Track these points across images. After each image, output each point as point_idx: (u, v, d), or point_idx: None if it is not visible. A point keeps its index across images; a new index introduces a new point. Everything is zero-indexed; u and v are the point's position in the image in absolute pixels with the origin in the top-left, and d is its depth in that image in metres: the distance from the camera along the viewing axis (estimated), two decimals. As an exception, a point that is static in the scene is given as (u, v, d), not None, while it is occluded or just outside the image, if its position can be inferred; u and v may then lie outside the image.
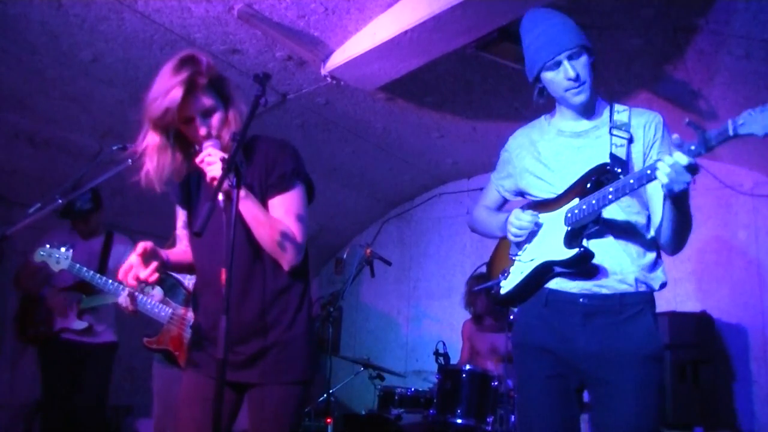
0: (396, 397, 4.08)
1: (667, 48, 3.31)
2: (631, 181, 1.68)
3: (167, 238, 2.50)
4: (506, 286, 2.00)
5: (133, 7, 3.07)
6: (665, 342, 3.74)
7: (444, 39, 3.18)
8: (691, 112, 3.80)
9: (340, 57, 3.46)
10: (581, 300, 1.85)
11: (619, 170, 1.82)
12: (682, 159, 1.55)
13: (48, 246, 3.20)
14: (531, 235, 1.96)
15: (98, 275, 3.18)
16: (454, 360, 4.37)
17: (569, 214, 1.86)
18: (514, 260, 2.01)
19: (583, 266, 1.84)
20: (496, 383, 3.70)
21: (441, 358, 4.05)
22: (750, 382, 4.14)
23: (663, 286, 1.90)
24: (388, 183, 5.66)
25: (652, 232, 1.91)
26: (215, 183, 1.68)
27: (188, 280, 3.02)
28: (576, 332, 1.85)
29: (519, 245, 2.01)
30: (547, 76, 1.91)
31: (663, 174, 1.59)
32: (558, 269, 1.88)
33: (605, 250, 1.85)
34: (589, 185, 1.83)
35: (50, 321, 3.72)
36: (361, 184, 5.57)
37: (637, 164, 1.88)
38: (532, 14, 2.00)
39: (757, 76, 3.29)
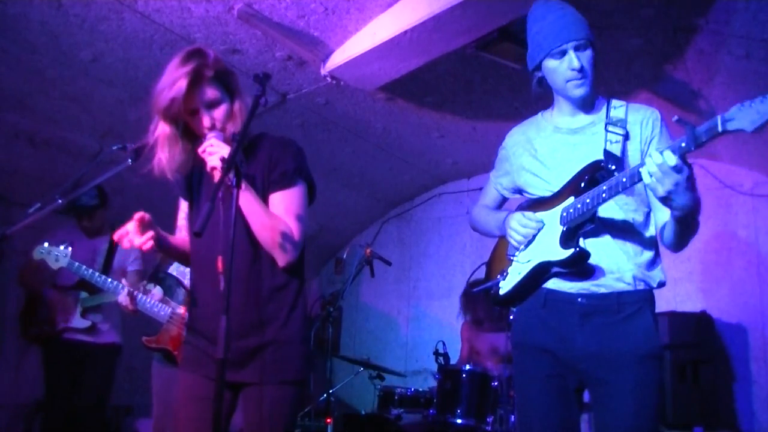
0: (396, 397, 4.08)
1: (667, 48, 3.31)
2: (624, 179, 1.67)
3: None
4: (505, 286, 1.99)
5: (133, 7, 3.07)
6: (665, 342, 3.74)
7: (444, 39, 3.18)
8: (691, 112, 3.80)
9: (340, 57, 3.46)
10: (579, 300, 1.85)
11: (614, 167, 1.80)
12: (671, 159, 1.53)
13: (47, 244, 3.21)
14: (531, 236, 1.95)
15: (97, 273, 3.18)
16: (454, 360, 4.37)
17: (564, 214, 1.86)
18: (512, 260, 2.01)
19: (579, 266, 1.83)
20: (496, 383, 3.70)
21: (441, 358, 4.04)
22: (750, 382, 4.14)
23: (662, 284, 1.89)
24: (388, 183, 5.66)
25: (651, 230, 1.90)
26: (215, 172, 1.70)
27: (187, 280, 3.02)
28: (574, 332, 1.84)
29: (518, 246, 2.00)
30: (550, 64, 1.89)
31: (645, 173, 1.57)
32: (555, 269, 1.88)
33: (602, 248, 1.84)
34: (583, 183, 1.83)
35: (53, 320, 3.72)
36: (361, 184, 5.57)
37: (634, 161, 1.87)
38: (544, 3, 1.97)
39: (757, 76, 3.29)
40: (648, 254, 1.88)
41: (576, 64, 1.84)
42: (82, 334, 3.73)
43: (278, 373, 1.83)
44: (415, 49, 3.26)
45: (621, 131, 1.88)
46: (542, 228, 1.92)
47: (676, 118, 1.53)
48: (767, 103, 1.43)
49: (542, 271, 1.90)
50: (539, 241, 1.92)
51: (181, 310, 2.99)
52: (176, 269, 3.11)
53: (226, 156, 1.70)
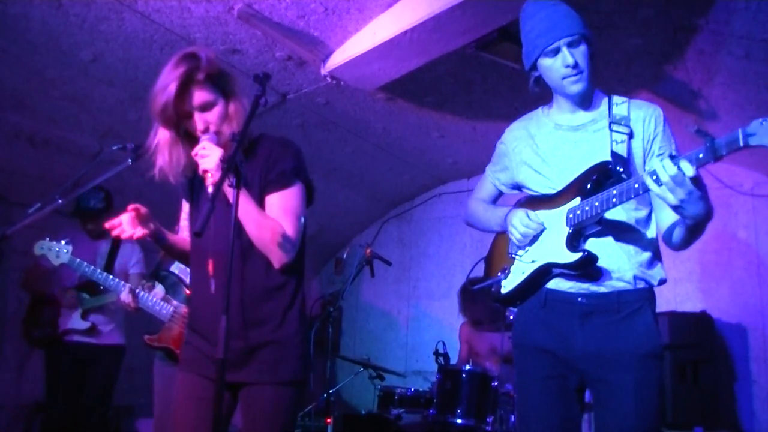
0: (396, 397, 4.07)
1: (667, 48, 3.31)
2: (636, 185, 1.65)
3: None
4: (507, 285, 1.98)
5: (133, 7, 3.07)
6: (665, 342, 3.74)
7: (444, 39, 3.18)
8: (691, 112, 3.80)
9: (340, 57, 3.46)
10: (579, 299, 1.84)
11: (621, 169, 1.79)
12: (689, 170, 1.50)
13: (48, 239, 3.20)
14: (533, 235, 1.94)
15: (98, 271, 3.18)
16: (454, 360, 4.37)
17: (571, 215, 1.83)
18: (514, 259, 1.99)
19: (586, 269, 1.81)
20: (496, 383, 3.70)
21: (441, 358, 4.04)
22: (750, 382, 4.14)
23: (662, 282, 1.88)
24: (387, 183, 5.66)
25: (652, 229, 1.89)
26: (207, 175, 1.71)
27: (189, 278, 3.02)
28: (575, 332, 1.84)
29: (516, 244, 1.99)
30: (545, 63, 1.88)
31: (651, 181, 1.55)
32: (559, 271, 1.87)
33: (603, 249, 1.83)
34: (589, 185, 1.81)
35: (55, 323, 3.73)
36: (360, 184, 5.57)
37: (638, 160, 1.86)
38: (534, 2, 1.96)
39: (757, 76, 3.29)
40: (648, 253, 1.87)
41: (570, 60, 1.82)
42: (84, 336, 3.73)
43: (275, 374, 1.82)
44: (415, 49, 3.26)
45: (625, 130, 1.86)
46: (545, 228, 1.91)
47: (695, 128, 1.49)
48: None
49: (546, 271, 1.89)
50: (544, 242, 1.91)
51: (183, 308, 2.99)
52: (178, 267, 3.10)
53: (217, 159, 1.70)
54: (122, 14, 3.13)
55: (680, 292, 4.43)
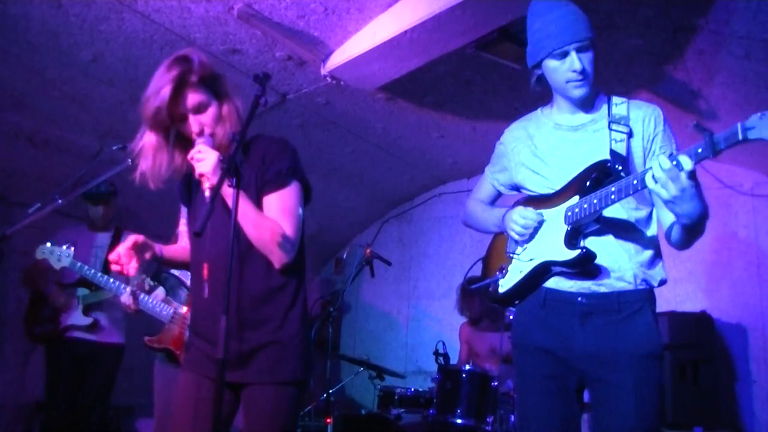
0: (396, 397, 4.07)
1: (667, 48, 3.31)
2: (635, 182, 1.65)
3: (168, 238, 2.51)
4: (505, 284, 1.98)
5: (133, 7, 3.07)
6: (665, 342, 3.74)
7: (444, 39, 3.18)
8: (691, 112, 3.80)
9: (340, 57, 3.46)
10: (579, 299, 1.84)
11: (620, 167, 1.79)
12: (687, 163, 1.51)
13: (49, 244, 3.23)
14: (532, 233, 1.93)
15: (99, 273, 3.19)
16: (454, 360, 4.37)
17: (569, 213, 1.83)
18: (512, 258, 1.98)
19: (585, 267, 1.82)
20: (496, 383, 3.70)
21: (441, 358, 4.04)
22: (750, 382, 4.14)
23: (663, 282, 1.88)
24: (387, 183, 5.66)
25: (652, 228, 1.89)
26: (203, 178, 1.71)
27: (189, 280, 3.02)
28: (574, 332, 1.84)
29: (517, 242, 1.99)
30: (551, 64, 1.86)
31: (649, 177, 1.55)
32: (558, 269, 1.87)
33: (603, 247, 1.83)
34: (588, 183, 1.81)
35: (57, 318, 3.75)
36: (360, 184, 5.57)
37: (638, 159, 1.86)
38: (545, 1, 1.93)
39: (757, 76, 3.29)
40: (648, 253, 1.87)
41: (578, 66, 1.81)
42: (86, 333, 3.74)
43: (276, 374, 1.82)
44: (415, 49, 3.25)
45: (625, 129, 1.86)
46: (543, 224, 1.90)
47: (694, 123, 1.49)
48: None
49: (544, 270, 1.89)
50: (542, 240, 1.91)
51: (184, 310, 2.99)
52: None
53: (214, 162, 1.70)
54: (122, 14, 3.13)
55: (680, 292, 4.43)
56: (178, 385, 1.92)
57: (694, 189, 1.55)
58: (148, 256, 1.87)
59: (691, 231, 1.73)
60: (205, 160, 1.72)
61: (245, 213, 1.78)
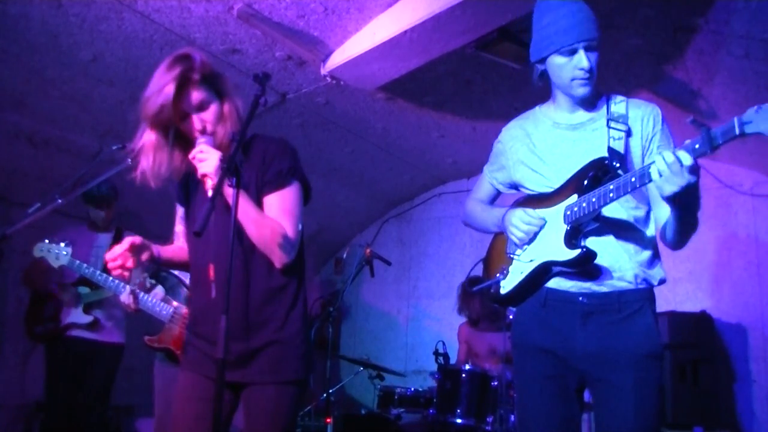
0: (396, 397, 4.08)
1: (667, 48, 3.31)
2: (633, 179, 1.64)
3: (167, 238, 2.51)
4: (506, 286, 1.97)
5: (133, 7, 3.07)
6: (665, 342, 3.74)
7: (444, 39, 3.18)
8: (691, 112, 3.80)
9: (339, 57, 3.46)
10: (580, 299, 1.84)
11: (618, 165, 1.78)
12: (686, 159, 1.50)
13: (47, 241, 3.22)
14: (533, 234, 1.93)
15: (98, 272, 3.19)
16: (454, 360, 4.37)
17: (568, 212, 1.83)
18: (513, 258, 1.98)
19: (585, 267, 1.81)
20: (495, 383, 3.70)
21: (441, 358, 4.04)
22: (750, 382, 4.14)
23: (662, 281, 1.88)
24: (387, 183, 5.66)
25: (651, 228, 1.89)
26: (205, 179, 1.71)
27: (188, 279, 3.02)
28: (575, 331, 1.83)
29: (516, 244, 1.98)
30: (557, 61, 1.85)
31: (655, 171, 1.55)
32: (559, 269, 1.86)
33: (603, 247, 1.82)
34: (586, 181, 1.80)
35: (57, 318, 3.75)
36: (360, 183, 5.57)
37: (636, 158, 1.86)
38: None
39: (757, 76, 3.29)
40: (648, 252, 1.86)
41: (585, 64, 1.80)
42: (86, 332, 3.74)
43: (277, 374, 1.82)
44: (415, 49, 3.26)
45: (623, 127, 1.85)
46: (544, 225, 1.90)
47: (691, 119, 1.49)
48: None
49: (545, 270, 1.88)
50: (542, 240, 1.90)
51: (184, 309, 2.99)
52: (177, 268, 3.11)
53: (216, 162, 1.70)
54: (122, 14, 3.13)
55: (680, 292, 4.43)
56: (178, 385, 1.92)
57: (696, 184, 1.54)
58: (145, 257, 1.87)
59: (683, 222, 1.72)
60: (207, 160, 1.71)
61: (246, 213, 1.78)
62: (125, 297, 2.95)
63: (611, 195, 1.70)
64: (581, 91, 1.86)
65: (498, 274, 2.01)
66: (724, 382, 4.13)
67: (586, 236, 1.84)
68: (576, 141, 1.91)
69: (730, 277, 4.35)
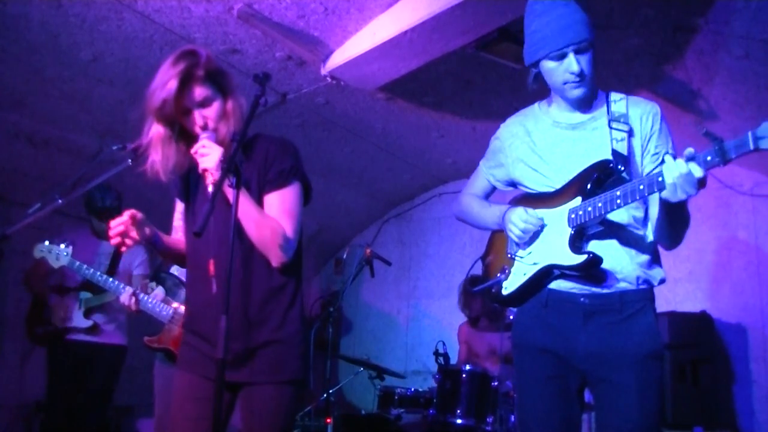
0: (396, 397, 4.07)
1: (667, 48, 3.31)
2: (641, 187, 1.62)
3: (166, 234, 2.51)
4: (508, 287, 1.96)
5: (133, 7, 3.07)
6: (665, 342, 3.74)
7: (444, 39, 3.18)
8: (691, 112, 3.80)
9: (339, 57, 3.46)
10: (582, 299, 1.83)
11: (622, 168, 1.78)
12: (698, 172, 1.49)
13: (47, 242, 3.21)
14: (533, 235, 1.91)
15: (98, 273, 3.18)
16: (454, 360, 4.37)
17: (573, 215, 1.81)
18: (515, 259, 1.96)
19: (591, 271, 1.80)
20: (495, 383, 3.70)
21: (441, 358, 4.04)
22: (750, 382, 4.14)
23: (662, 281, 1.88)
24: (387, 183, 5.66)
25: (649, 228, 1.88)
26: (207, 174, 1.72)
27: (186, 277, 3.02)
28: (577, 332, 1.83)
29: (518, 244, 1.97)
30: (548, 65, 1.84)
31: (669, 181, 1.53)
32: (560, 272, 1.85)
33: (607, 250, 1.81)
34: (589, 184, 1.79)
35: (58, 320, 3.73)
36: (360, 183, 5.57)
37: (637, 158, 1.85)
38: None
39: (756, 76, 3.29)
40: (648, 253, 1.86)
41: (575, 68, 1.79)
42: (86, 335, 3.73)
43: (275, 373, 1.82)
44: (415, 49, 3.25)
45: (625, 128, 1.84)
46: (545, 227, 1.89)
47: (704, 131, 1.47)
48: None
49: (548, 273, 1.87)
50: (545, 242, 1.89)
51: (183, 310, 2.99)
52: (177, 269, 3.11)
53: (218, 157, 1.70)
54: (122, 14, 3.13)
55: (680, 292, 4.42)
56: (174, 386, 1.92)
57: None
58: (148, 231, 1.86)
59: (674, 216, 1.72)
60: (209, 155, 1.72)
61: (247, 211, 1.78)
62: (126, 298, 2.95)
63: (618, 201, 1.68)
64: (574, 93, 1.85)
65: (499, 274, 1.99)
66: (724, 382, 4.13)
67: (589, 239, 1.83)
68: (576, 140, 1.90)
69: (730, 277, 4.35)
